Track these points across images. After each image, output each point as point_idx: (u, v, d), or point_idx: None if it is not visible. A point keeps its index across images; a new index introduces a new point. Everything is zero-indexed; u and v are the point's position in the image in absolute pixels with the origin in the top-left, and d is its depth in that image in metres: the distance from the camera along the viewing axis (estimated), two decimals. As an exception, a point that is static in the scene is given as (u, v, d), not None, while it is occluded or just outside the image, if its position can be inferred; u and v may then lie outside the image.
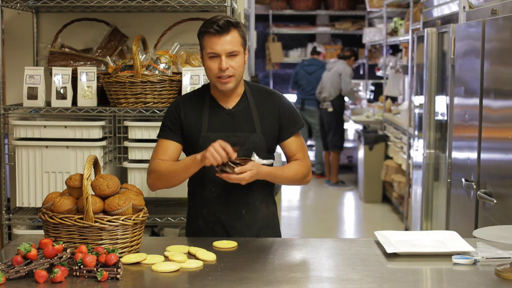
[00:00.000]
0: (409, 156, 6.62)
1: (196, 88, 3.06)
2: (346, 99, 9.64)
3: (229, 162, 2.66)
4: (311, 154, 10.08)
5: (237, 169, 2.66)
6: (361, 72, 11.64)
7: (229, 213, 2.87)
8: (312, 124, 9.79)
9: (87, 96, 3.56)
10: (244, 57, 2.83)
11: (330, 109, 9.22)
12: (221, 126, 2.85)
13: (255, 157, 2.77)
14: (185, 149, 2.93)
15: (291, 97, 10.01)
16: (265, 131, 2.86)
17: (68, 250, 2.30)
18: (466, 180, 3.75)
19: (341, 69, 9.15)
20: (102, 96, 3.62)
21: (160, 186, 2.90)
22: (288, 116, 2.92)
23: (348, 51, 9.52)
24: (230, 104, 2.88)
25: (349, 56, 9.38)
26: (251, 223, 2.89)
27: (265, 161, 2.81)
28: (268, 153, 2.89)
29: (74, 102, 3.59)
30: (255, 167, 2.70)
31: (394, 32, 8.67)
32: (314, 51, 10.12)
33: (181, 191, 3.10)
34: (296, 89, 10.00)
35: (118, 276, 2.23)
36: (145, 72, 3.44)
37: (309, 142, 10.46)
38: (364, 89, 11.33)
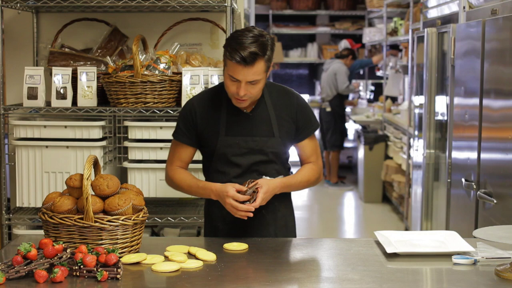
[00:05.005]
0: (409, 156, 6.62)
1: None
2: (348, 96, 9.60)
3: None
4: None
5: (251, 205, 2.66)
6: (361, 72, 11.63)
7: None
8: None
9: (87, 96, 3.56)
10: (266, 78, 2.76)
11: (328, 109, 9.22)
12: (239, 130, 2.81)
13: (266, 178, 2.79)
14: (201, 149, 2.90)
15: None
16: (283, 135, 2.83)
17: (68, 250, 2.29)
18: (466, 180, 3.75)
19: (336, 68, 9.14)
20: (102, 96, 3.62)
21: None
22: (305, 117, 2.89)
23: (345, 50, 9.49)
24: (248, 106, 2.83)
25: (346, 55, 9.35)
26: (270, 222, 2.88)
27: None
28: (284, 155, 2.88)
29: (74, 102, 3.58)
30: (264, 184, 2.69)
31: (394, 32, 8.66)
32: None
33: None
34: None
35: (118, 276, 2.23)
36: (145, 72, 3.44)
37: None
38: (364, 89, 11.32)
